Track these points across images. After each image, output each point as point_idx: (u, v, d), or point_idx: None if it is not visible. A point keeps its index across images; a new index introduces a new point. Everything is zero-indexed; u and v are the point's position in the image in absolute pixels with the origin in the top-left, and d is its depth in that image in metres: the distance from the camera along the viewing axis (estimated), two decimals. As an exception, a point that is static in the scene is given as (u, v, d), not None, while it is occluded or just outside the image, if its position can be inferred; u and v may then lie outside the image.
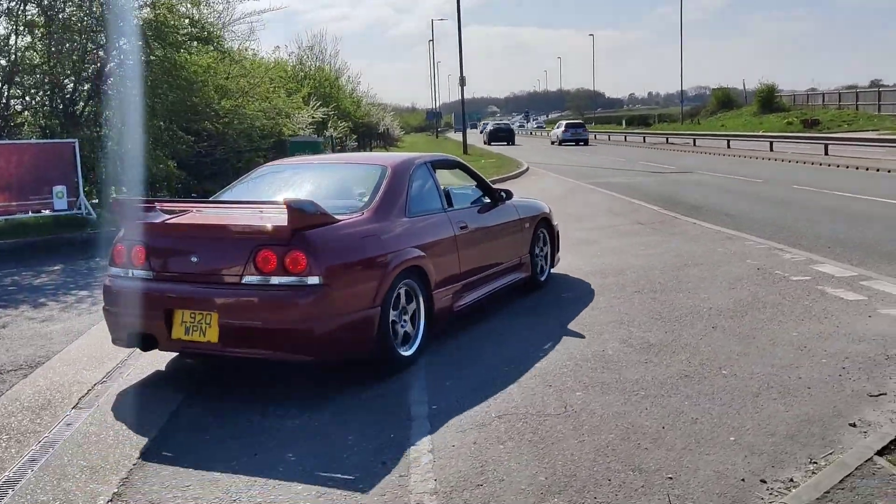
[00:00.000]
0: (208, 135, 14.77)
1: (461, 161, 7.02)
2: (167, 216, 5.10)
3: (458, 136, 59.64)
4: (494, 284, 6.57)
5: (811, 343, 5.48)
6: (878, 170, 20.48)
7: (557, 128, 49.92)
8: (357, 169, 6.15)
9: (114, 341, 5.20)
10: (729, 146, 35.11)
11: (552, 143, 49.15)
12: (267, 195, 5.66)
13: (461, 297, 5.95)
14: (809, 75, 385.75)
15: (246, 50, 20.31)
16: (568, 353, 5.46)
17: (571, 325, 6.14)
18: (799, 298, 6.74)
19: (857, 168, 21.42)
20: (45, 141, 12.60)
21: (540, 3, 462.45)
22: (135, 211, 5.18)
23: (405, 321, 5.28)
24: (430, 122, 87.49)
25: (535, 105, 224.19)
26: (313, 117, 24.51)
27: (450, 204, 6.16)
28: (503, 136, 53.27)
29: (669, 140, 45.06)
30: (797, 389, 4.61)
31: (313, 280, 4.59)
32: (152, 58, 13.47)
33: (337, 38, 58.83)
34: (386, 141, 47.35)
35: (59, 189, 11.92)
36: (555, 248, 7.92)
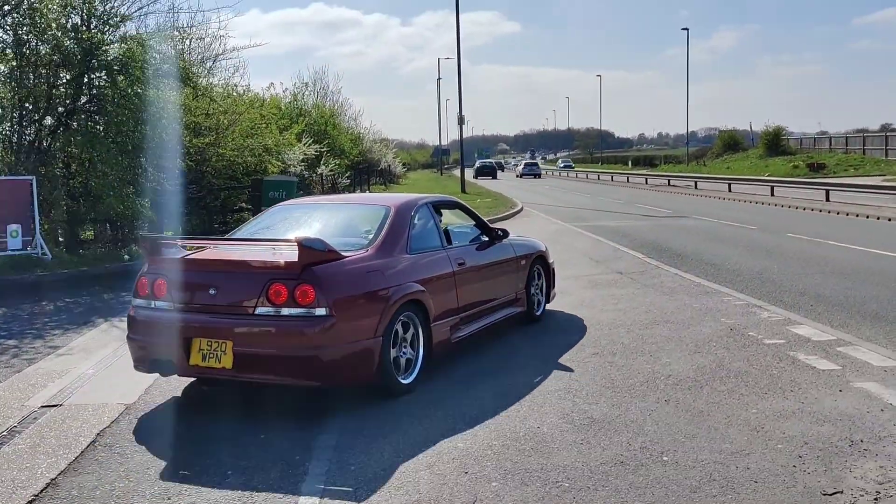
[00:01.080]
0: (180, 172, 14.38)
1: (461, 202, 7.52)
2: (187, 252, 5.67)
3: (480, 181, 62.57)
4: (491, 318, 7.06)
5: (769, 423, 4.93)
6: (878, 218, 19.95)
7: (517, 166, 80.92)
8: (363, 209, 6.75)
9: (136, 367, 5.67)
10: (730, 189, 34.66)
11: (517, 176, 68.94)
12: (279, 233, 6.17)
13: (459, 330, 6.41)
14: (818, 118, 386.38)
15: (234, 87, 20.10)
16: (498, 430, 4.92)
17: (511, 396, 5.59)
18: (767, 367, 6.19)
19: (856, 216, 20.90)
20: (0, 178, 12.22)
21: (550, 44, 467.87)
22: (158, 247, 5.65)
23: (405, 350, 5.72)
24: (436, 159, 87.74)
25: (545, 143, 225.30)
26: (305, 154, 24.25)
27: (449, 242, 6.71)
28: (487, 171, 68.91)
29: (671, 182, 44.72)
30: (742, 484, 4.04)
31: (320, 311, 5.07)
32: (120, 93, 13.12)
33: (339, 74, 58.41)
34: (386, 178, 47.09)
35: (14, 228, 11.51)
36: (550, 284, 8.45)
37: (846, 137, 57.66)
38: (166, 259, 5.59)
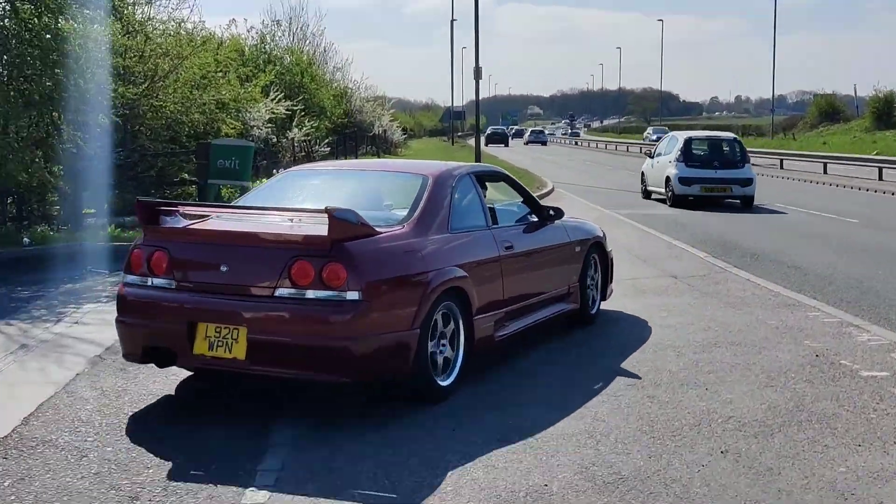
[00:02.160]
0: (106, 132, 14.16)
1: (507, 174, 7.93)
2: (191, 221, 5.97)
3: (491, 149, 66.91)
4: (539, 314, 7.46)
5: (863, 488, 4.63)
6: None
7: (525, 133, 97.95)
8: (395, 178, 7.17)
9: (125, 356, 6.05)
10: (826, 171, 34.26)
11: (524, 143, 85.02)
12: (297, 203, 6.55)
13: (503, 326, 6.79)
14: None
15: (180, 22, 19.85)
16: (492, 488, 4.64)
17: (517, 437, 5.32)
18: (863, 409, 5.89)
19: None
20: None
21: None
22: (156, 214, 5.91)
23: (444, 347, 6.04)
24: (447, 124, 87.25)
25: (588, 107, 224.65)
26: (273, 113, 24.04)
27: (494, 221, 7.11)
28: (498, 138, 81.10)
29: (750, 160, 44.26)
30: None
31: (352, 295, 5.36)
32: (25, 26, 12.89)
33: (321, 11, 58.21)
34: (380, 147, 46.85)
35: None
36: (608, 277, 8.84)
37: (980, 107, 57.08)
38: (167, 229, 5.87)
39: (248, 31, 29.96)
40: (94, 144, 14.33)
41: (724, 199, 21.50)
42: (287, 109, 24.95)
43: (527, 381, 6.59)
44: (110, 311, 8.75)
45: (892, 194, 24.97)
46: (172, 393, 6.21)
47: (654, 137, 61.42)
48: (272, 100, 24.39)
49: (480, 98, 39.57)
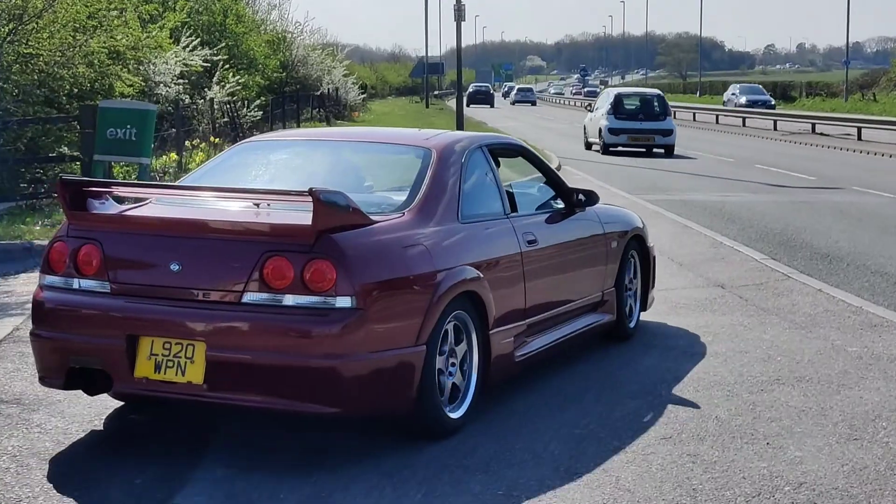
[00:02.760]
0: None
1: (526, 147, 8.08)
2: (129, 207, 6.12)
3: (474, 109, 69.91)
4: (568, 328, 7.61)
5: None
6: None
7: (511, 91, 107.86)
8: (387, 150, 7.37)
9: (42, 380, 6.04)
10: (919, 143, 34.37)
11: (511, 104, 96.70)
12: (260, 184, 6.65)
13: (525, 343, 6.92)
14: None
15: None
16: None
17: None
18: (981, 471, 5.70)
19: None
20: None
21: None
22: (82, 196, 5.88)
23: (453, 369, 6.13)
24: (420, 80, 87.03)
25: (605, 58, 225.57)
26: (187, 66, 23.79)
27: (513, 207, 7.16)
28: (481, 98, 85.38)
29: (817, 128, 44.39)
30: None
31: (343, 302, 5.38)
32: None
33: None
34: (330, 110, 46.63)
35: None
36: (649, 281, 9.04)
37: None
38: (99, 216, 5.89)
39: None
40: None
41: (649, 147, 31.47)
42: (205, 60, 24.69)
43: (526, 429, 6.37)
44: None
45: None
46: (24, 449, 5.95)
47: (744, 101, 62.98)
48: (185, 48, 24.13)
49: (466, 46, 39.45)
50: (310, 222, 5.31)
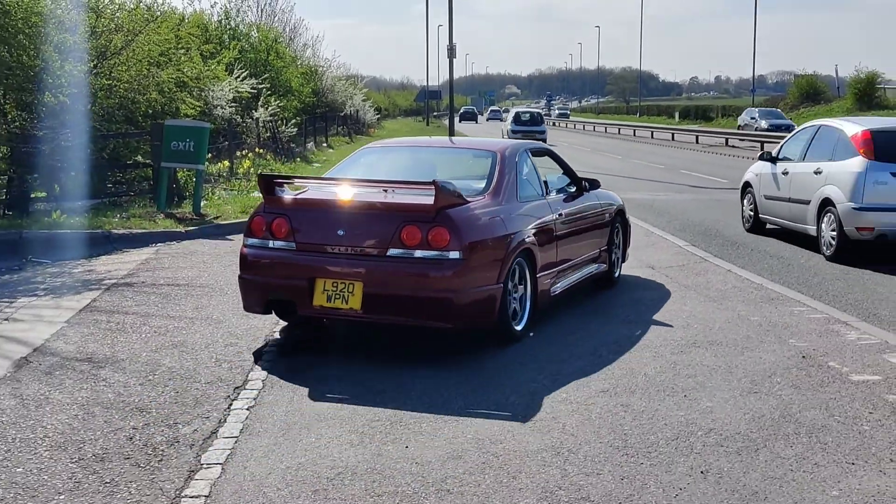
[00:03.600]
0: (49, 110, 13.53)
1: (550, 149, 9.21)
2: (308, 192, 7.24)
3: (463, 124, 72.36)
4: (579, 274, 8.57)
5: (858, 516, 4.21)
6: None
7: (487, 112, 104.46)
8: (467, 153, 8.69)
9: (247, 308, 7.16)
10: (808, 153, 34.07)
11: (487, 119, 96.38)
12: (381, 175, 7.55)
13: (556, 283, 7.94)
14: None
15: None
16: (442, 516, 4.19)
17: (475, 453, 4.86)
18: (855, 419, 5.48)
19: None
20: None
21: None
22: (273, 186, 6.92)
23: (515, 299, 7.12)
24: (422, 104, 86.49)
25: (568, 87, 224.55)
26: (238, 92, 23.41)
27: (547, 191, 8.22)
28: (469, 116, 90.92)
29: (730, 142, 44.03)
30: None
31: (454, 255, 6.44)
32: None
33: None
34: (352, 128, 46.19)
35: None
36: (627, 242, 10.00)
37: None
38: (287, 198, 6.95)
39: (212, 7, 29.33)
40: (41, 125, 13.72)
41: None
42: (252, 88, 24.28)
43: (490, 385, 6.12)
44: (46, 305, 8.33)
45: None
46: (91, 399, 5.71)
47: (765, 125, 47.54)
48: (236, 78, 23.74)
49: (457, 77, 39.07)
50: (432, 202, 6.45)
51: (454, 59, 37.29)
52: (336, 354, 6.99)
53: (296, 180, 7.58)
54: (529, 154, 8.22)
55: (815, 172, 11.69)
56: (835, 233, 11.05)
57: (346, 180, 7.28)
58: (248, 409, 5.64)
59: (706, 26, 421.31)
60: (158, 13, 20.57)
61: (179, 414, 5.54)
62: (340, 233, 6.64)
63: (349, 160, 8.35)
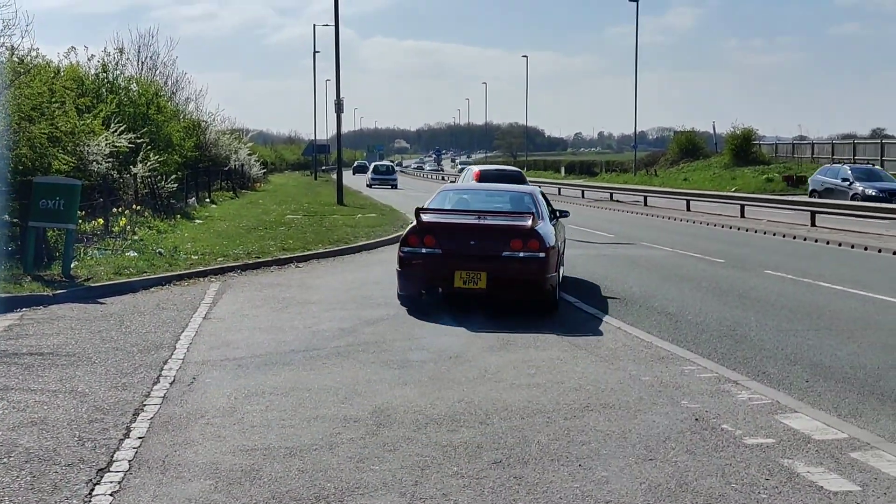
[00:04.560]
0: None
1: (544, 192, 13.54)
2: (449, 217, 11.37)
3: (351, 178, 71.86)
4: (561, 269, 12.72)
5: None
6: (879, 250, 20.00)
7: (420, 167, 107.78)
8: (513, 192, 13.28)
9: (403, 292, 11.30)
10: (689, 208, 34.87)
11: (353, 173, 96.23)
12: (469, 207, 12.37)
13: (558, 275, 11.67)
14: (797, 120, 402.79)
15: (10, 49, 18.40)
16: None
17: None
18: (752, 485, 5.36)
19: (851, 246, 20.94)
20: None
21: (462, 14, 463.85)
22: (420, 214, 11.21)
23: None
24: (311, 157, 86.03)
25: (456, 141, 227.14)
26: (115, 147, 22.67)
27: (551, 217, 12.58)
28: (361, 169, 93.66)
29: (614, 196, 44.91)
30: None
31: (542, 255, 10.72)
32: None
33: (172, 40, 55.99)
34: (236, 182, 45.40)
35: None
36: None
37: (832, 144, 59.80)
38: (435, 221, 11.14)
39: (90, 60, 28.31)
40: None
41: (391, 186, 50.15)
42: (130, 142, 23.54)
43: (370, 461, 5.79)
44: None
45: (754, 232, 25.38)
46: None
47: (872, 193, 30.75)
48: (113, 132, 23.01)
49: (346, 131, 38.97)
50: (529, 223, 10.95)
51: (342, 114, 37.24)
52: (210, 440, 6.56)
53: (427, 213, 11.42)
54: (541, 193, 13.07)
55: None
56: None
57: (464, 211, 11.86)
58: (111, 496, 5.18)
59: (590, 83, 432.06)
60: (31, 66, 19.88)
61: (34, 503, 5.05)
62: (472, 243, 10.88)
63: (439, 196, 12.84)
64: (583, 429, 6.48)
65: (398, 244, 11.29)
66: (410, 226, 11.20)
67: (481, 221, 11.08)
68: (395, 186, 59.46)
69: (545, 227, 11.27)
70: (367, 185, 60.42)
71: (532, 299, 10.94)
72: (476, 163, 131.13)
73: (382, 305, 11.70)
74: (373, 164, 65.31)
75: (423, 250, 10.87)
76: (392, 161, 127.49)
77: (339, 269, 15.87)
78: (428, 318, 10.79)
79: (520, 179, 23.12)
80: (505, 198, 12.84)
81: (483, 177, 22.97)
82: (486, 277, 10.57)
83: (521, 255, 10.69)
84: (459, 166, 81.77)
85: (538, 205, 12.14)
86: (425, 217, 11.11)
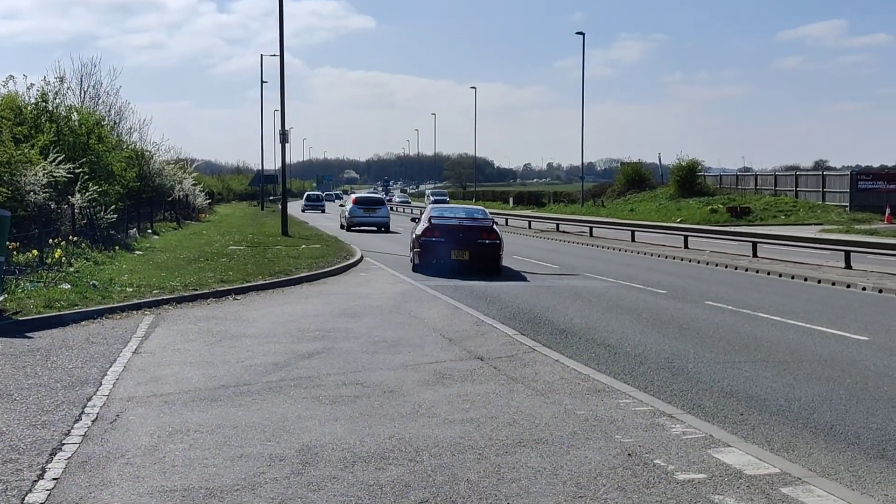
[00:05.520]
0: None
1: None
2: (445, 220, 22.71)
3: (299, 211, 71.07)
4: None
5: None
6: (818, 281, 20.25)
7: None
8: (472, 209, 24.76)
9: (418, 268, 21.90)
10: (634, 239, 35.13)
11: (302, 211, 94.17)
12: (461, 216, 23.36)
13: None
14: (740, 152, 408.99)
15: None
16: None
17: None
18: (681, 524, 5.26)
19: (791, 277, 21.18)
20: None
21: (412, 45, 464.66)
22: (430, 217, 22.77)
23: None
24: (258, 187, 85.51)
25: (406, 171, 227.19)
26: (53, 177, 22.29)
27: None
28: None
29: (561, 227, 45.16)
30: None
31: (498, 241, 21.72)
32: None
33: (116, 69, 55.26)
34: (180, 213, 44.88)
35: None
36: None
37: (775, 175, 60.92)
38: (439, 224, 21.94)
39: (29, 89, 27.83)
40: None
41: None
42: (69, 172, 23.16)
43: (292, 501, 5.62)
44: None
45: (697, 263, 25.59)
46: None
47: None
48: (51, 162, 22.63)
49: (295, 161, 38.79)
50: (491, 225, 21.89)
51: (287, 144, 37.04)
52: (128, 480, 6.34)
53: (436, 218, 22.14)
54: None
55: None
56: None
57: (454, 218, 22.46)
58: (16, 542, 4.95)
59: (537, 115, 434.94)
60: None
61: (-67, 551, 4.80)
62: (461, 235, 21.21)
63: (433, 209, 23.63)
64: (514, 465, 6.36)
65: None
66: (428, 225, 21.93)
67: (466, 224, 22.02)
68: (323, 210, 73.45)
69: (497, 228, 22.27)
70: (302, 210, 72.00)
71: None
72: (420, 195, 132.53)
73: (318, 339, 11.54)
74: (305, 193, 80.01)
75: (434, 239, 21.52)
76: (344, 191, 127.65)
77: (278, 301, 15.66)
78: (364, 351, 10.65)
79: (382, 202, 45.04)
80: (466, 212, 23.61)
81: (358, 201, 44.45)
82: (468, 254, 21.18)
83: (488, 241, 21.30)
84: (431, 198, 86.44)
85: (489, 216, 23.12)
86: (434, 221, 22.12)
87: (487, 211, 24.12)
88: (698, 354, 10.89)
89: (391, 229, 42.98)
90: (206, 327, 12.48)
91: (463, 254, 20.91)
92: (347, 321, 13.09)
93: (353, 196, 49.20)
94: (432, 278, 19.94)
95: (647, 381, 9.34)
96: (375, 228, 42.97)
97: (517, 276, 21.08)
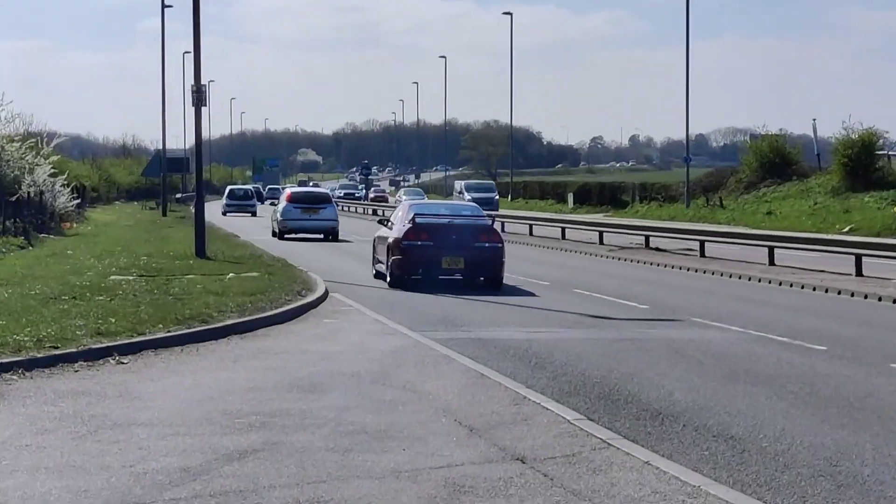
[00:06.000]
0: None
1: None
2: (434, 218, 31.89)
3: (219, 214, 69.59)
4: None
5: None
6: None
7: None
8: (461, 205, 45.25)
9: (403, 276, 29.77)
10: (772, 260, 35.15)
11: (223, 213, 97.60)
12: (457, 212, 35.05)
13: None
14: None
15: None
16: None
17: None
18: None
19: None
20: None
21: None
22: (413, 217, 30.84)
23: None
24: (157, 179, 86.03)
25: (398, 151, 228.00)
26: None
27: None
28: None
29: (651, 241, 45.27)
30: None
31: (500, 245, 31.06)
32: None
33: None
34: (31, 221, 45.18)
35: None
36: None
37: None
38: (425, 223, 29.87)
39: None
40: None
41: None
42: None
43: None
44: None
45: (878, 299, 25.71)
46: None
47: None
48: None
49: (219, 135, 38.70)
50: (491, 224, 32.68)
51: (205, 108, 37.08)
52: None
53: (420, 216, 30.49)
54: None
55: None
56: None
57: (443, 215, 31.77)
58: None
59: (612, 58, 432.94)
60: None
61: None
62: (454, 237, 29.18)
63: (414, 206, 33.40)
64: None
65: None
66: (410, 227, 28.97)
67: (460, 222, 29.81)
68: (254, 213, 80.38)
69: (496, 226, 32.00)
70: (223, 213, 77.51)
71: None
72: (424, 189, 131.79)
73: (256, 428, 11.61)
74: (228, 189, 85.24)
75: (419, 242, 28.20)
76: (301, 181, 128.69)
77: (190, 366, 15.80)
78: (330, 449, 10.69)
79: (327, 199, 52.89)
80: (454, 207, 35.56)
81: (294, 198, 51.32)
82: (463, 261, 28.01)
83: (487, 244, 28.65)
84: (403, 197, 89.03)
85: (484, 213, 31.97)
86: (418, 219, 29.24)
87: (487, 204, 30.59)
88: (880, 452, 10.95)
89: (344, 237, 43.46)
90: (73, 409, 12.56)
91: (457, 261, 28.63)
92: (303, 399, 13.18)
93: (288, 191, 57.78)
94: (437, 330, 20.01)
95: (796, 498, 9.39)
96: (321, 236, 48.11)
97: (580, 322, 21.15)
